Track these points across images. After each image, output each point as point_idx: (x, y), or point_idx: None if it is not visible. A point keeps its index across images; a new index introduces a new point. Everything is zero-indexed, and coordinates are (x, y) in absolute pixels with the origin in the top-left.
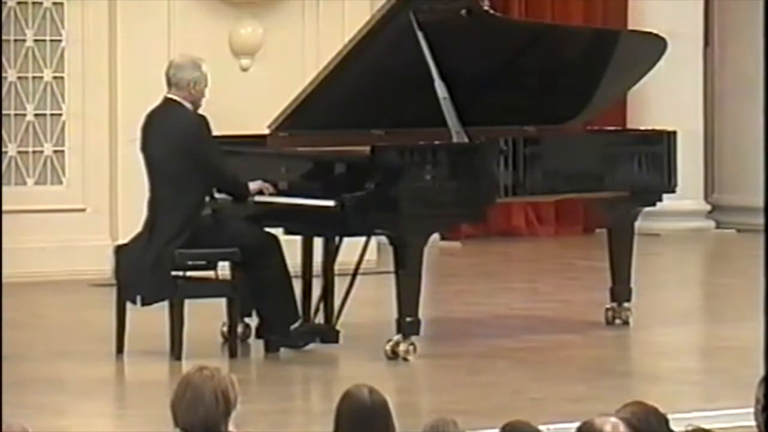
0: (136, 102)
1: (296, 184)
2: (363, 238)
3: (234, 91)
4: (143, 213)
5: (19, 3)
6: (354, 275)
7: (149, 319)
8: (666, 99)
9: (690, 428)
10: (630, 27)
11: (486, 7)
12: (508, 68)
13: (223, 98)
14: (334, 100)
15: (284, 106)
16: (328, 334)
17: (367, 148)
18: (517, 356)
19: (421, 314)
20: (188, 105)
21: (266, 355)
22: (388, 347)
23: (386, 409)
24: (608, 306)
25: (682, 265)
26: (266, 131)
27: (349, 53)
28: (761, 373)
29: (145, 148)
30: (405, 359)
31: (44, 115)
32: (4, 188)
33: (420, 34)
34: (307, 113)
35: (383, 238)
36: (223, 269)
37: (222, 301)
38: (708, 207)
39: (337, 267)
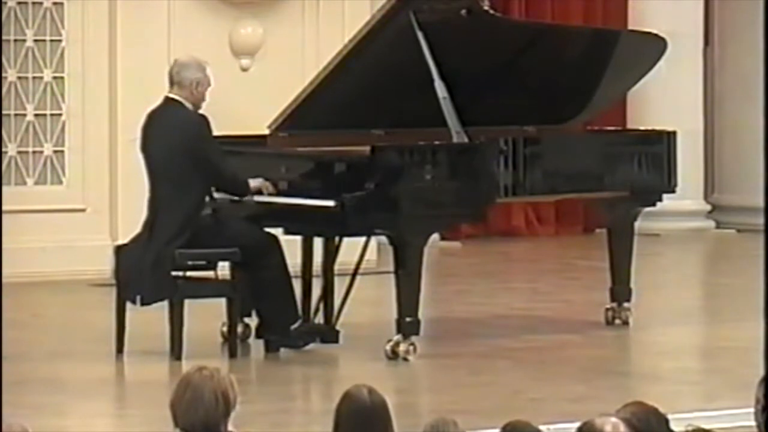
0: (136, 102)
1: (296, 184)
2: (363, 238)
3: (234, 91)
4: (143, 213)
5: (19, 3)
6: (354, 275)
7: (149, 319)
8: (666, 99)
9: (690, 428)
10: (630, 27)
11: (486, 7)
12: (508, 68)
13: (223, 98)
14: (334, 100)
15: (284, 106)
16: (328, 334)
17: (367, 148)
18: (517, 356)
19: (421, 314)
20: (189, 106)
21: (266, 355)
22: (388, 347)
23: (385, 410)
24: (608, 306)
25: (682, 265)
26: (266, 131)
27: (349, 53)
28: (761, 373)
29: (145, 148)
30: (405, 359)
31: (44, 115)
32: (4, 188)
33: (420, 34)
34: (307, 113)
35: (383, 238)
36: (223, 269)
37: (222, 301)
38: (708, 207)
39: (337, 267)
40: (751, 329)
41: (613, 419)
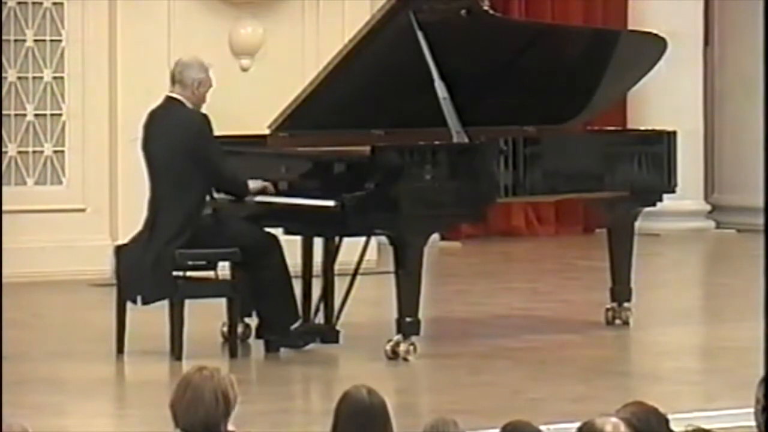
0: (136, 102)
1: (296, 184)
2: (363, 238)
3: (234, 91)
4: (143, 213)
5: (19, 3)
6: (354, 275)
7: (149, 319)
8: (666, 99)
9: (690, 428)
10: (630, 27)
11: (486, 7)
12: (508, 68)
13: (223, 98)
14: (334, 100)
15: (284, 106)
16: (328, 334)
17: (367, 148)
18: (517, 356)
19: (421, 314)
20: (190, 105)
21: (266, 355)
22: (388, 347)
23: (385, 410)
24: (608, 306)
25: (682, 265)
26: (266, 131)
27: (349, 53)
28: (761, 373)
29: (146, 147)
30: (405, 359)
31: (44, 115)
32: (4, 188)
33: (420, 34)
34: (307, 113)
35: (383, 238)
36: (223, 269)
37: (222, 301)
38: (708, 207)
39: (337, 267)
40: (751, 329)
41: (613, 419)
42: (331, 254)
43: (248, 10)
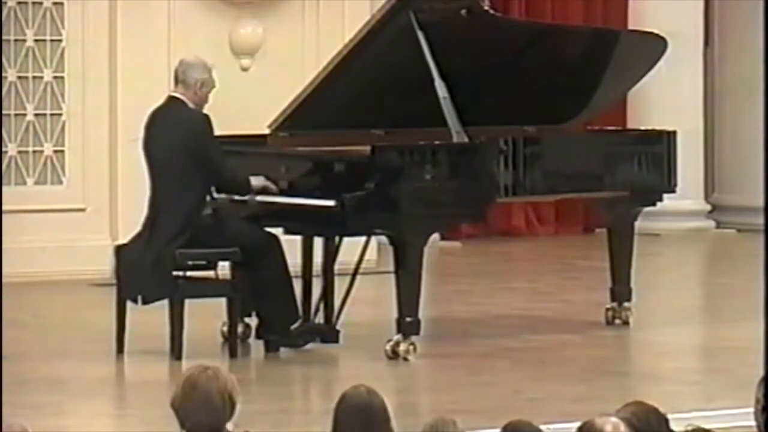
0: (136, 102)
1: (296, 183)
2: (363, 238)
3: (234, 91)
4: (143, 213)
5: (19, 3)
6: (354, 275)
7: (149, 319)
8: (666, 99)
9: (690, 428)
10: (630, 27)
11: (486, 7)
12: (508, 68)
13: (223, 98)
14: (334, 100)
15: (284, 106)
16: (328, 334)
17: (367, 148)
18: (517, 356)
19: (421, 314)
20: (192, 105)
21: (266, 355)
22: (388, 347)
23: (384, 410)
24: (608, 306)
25: (682, 265)
26: (266, 131)
27: (349, 53)
28: (761, 373)
29: (147, 146)
30: (405, 359)
31: (44, 115)
32: (4, 188)
33: (420, 34)
34: (307, 113)
35: (383, 238)
36: (223, 269)
37: (222, 301)
38: (708, 207)
39: (337, 267)
40: (751, 329)
41: (613, 419)
42: (331, 254)
43: (248, 10)
